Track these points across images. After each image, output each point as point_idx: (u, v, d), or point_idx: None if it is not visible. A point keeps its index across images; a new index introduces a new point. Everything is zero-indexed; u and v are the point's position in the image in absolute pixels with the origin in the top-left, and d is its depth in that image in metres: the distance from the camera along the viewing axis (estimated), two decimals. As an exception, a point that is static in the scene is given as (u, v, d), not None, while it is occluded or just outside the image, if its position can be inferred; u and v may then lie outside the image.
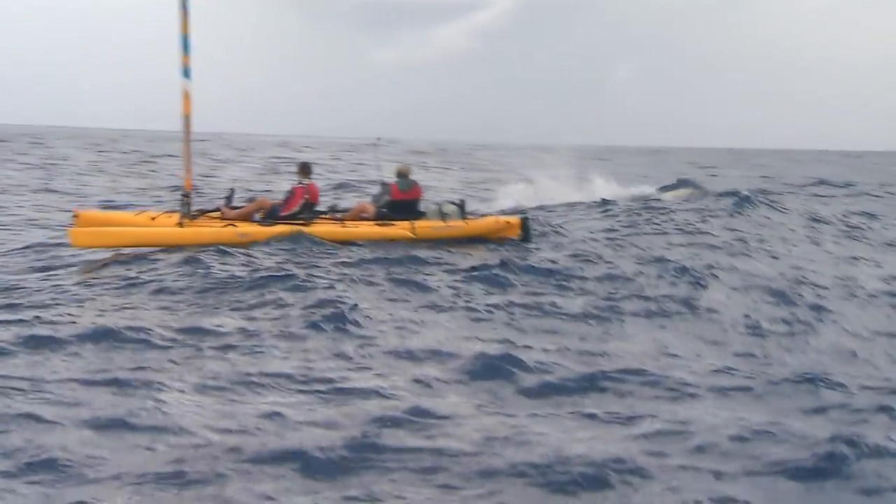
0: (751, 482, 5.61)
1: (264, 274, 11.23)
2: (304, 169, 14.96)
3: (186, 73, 13.88)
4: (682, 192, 22.67)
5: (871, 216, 20.32)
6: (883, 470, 5.75)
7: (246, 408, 6.71)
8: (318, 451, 5.82)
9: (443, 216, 14.72)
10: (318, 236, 13.71)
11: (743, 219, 17.90)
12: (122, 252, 13.35)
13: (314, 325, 8.99)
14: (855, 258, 14.64)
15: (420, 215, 14.80)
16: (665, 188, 24.31)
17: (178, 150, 15.03)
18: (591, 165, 26.21)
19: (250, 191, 23.19)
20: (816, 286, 11.87)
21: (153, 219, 14.28)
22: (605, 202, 20.32)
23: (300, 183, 14.76)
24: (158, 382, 7.13)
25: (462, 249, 13.74)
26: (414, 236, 14.15)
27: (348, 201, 18.95)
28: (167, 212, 14.70)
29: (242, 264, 12.00)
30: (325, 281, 10.86)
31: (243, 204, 14.78)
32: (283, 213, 14.39)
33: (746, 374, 7.92)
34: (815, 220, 18.52)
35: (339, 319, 9.12)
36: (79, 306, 9.88)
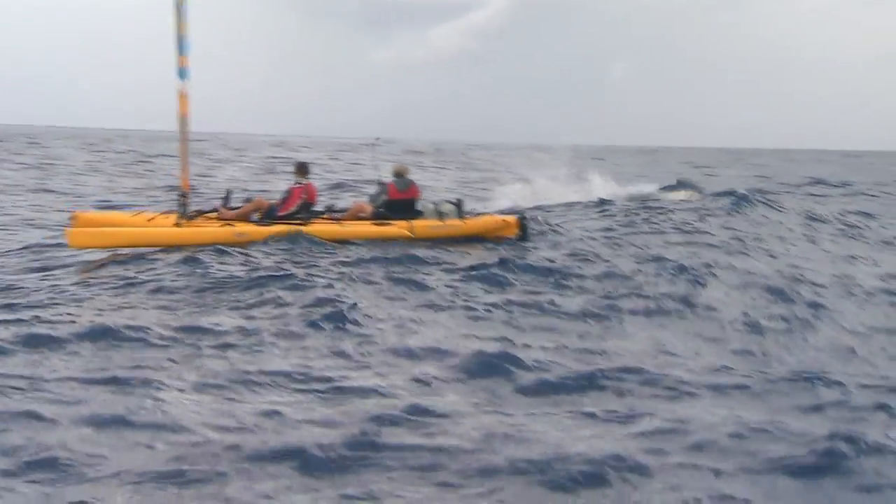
0: (749, 480, 5.61)
1: (263, 273, 11.23)
2: (302, 169, 14.95)
3: (183, 73, 13.85)
4: (684, 193, 22.67)
5: (868, 215, 20.36)
6: (881, 467, 5.77)
7: (245, 406, 6.72)
8: (317, 449, 5.83)
9: (440, 215, 14.72)
10: (316, 236, 13.70)
11: (741, 218, 17.91)
12: (119, 252, 13.34)
13: (313, 324, 8.99)
14: (852, 257, 14.66)
15: (417, 215, 14.80)
16: (666, 188, 24.31)
17: (175, 149, 15.02)
18: (589, 165, 26.20)
19: (247, 191, 23.16)
20: (814, 284, 11.88)
21: (150, 220, 14.27)
22: (602, 202, 20.33)
23: (298, 183, 14.75)
24: (157, 381, 7.12)
25: (460, 248, 13.74)
26: (412, 235, 14.15)
27: (345, 201, 18.94)
28: (164, 212, 14.68)
29: (241, 264, 12.00)
30: (323, 280, 10.86)
31: (240, 204, 14.76)
32: (280, 214, 14.38)
33: (745, 372, 7.93)
34: (812, 219, 18.53)
35: (337, 318, 9.13)
36: (77, 306, 9.87)
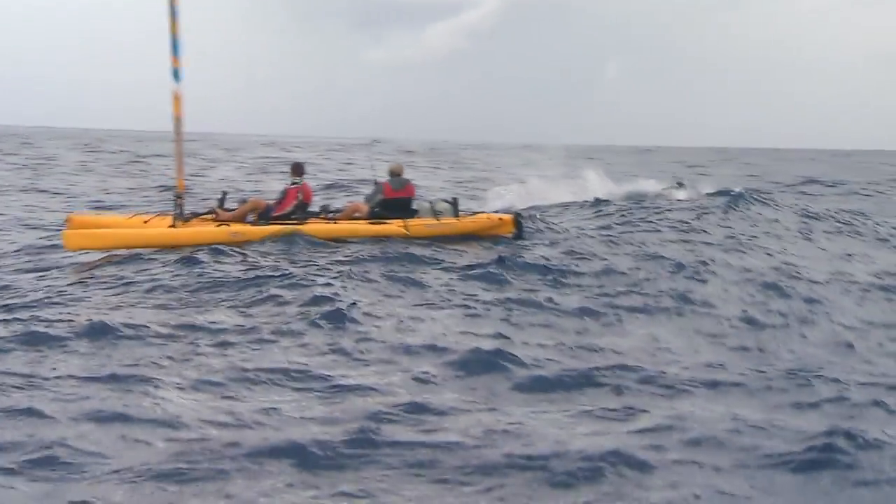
0: (747, 476, 5.63)
1: (260, 272, 11.24)
2: (298, 169, 14.93)
3: (177, 75, 13.81)
4: (681, 192, 22.67)
5: (862, 214, 20.40)
6: (877, 463, 5.79)
7: (243, 403, 6.73)
8: (315, 445, 5.84)
9: (436, 214, 14.72)
10: (312, 235, 13.70)
11: (737, 216, 17.94)
12: (115, 254, 13.32)
13: (311, 322, 8.99)
14: (848, 255, 14.73)
15: (413, 214, 14.80)
16: (663, 187, 24.30)
17: (167, 150, 14.99)
18: (583, 164, 26.18)
19: (241, 191, 23.14)
20: (811, 281, 11.95)
21: (146, 222, 14.25)
22: (598, 201, 20.34)
23: (293, 183, 14.72)
24: (156, 379, 7.14)
25: (456, 247, 13.74)
26: (407, 233, 14.15)
27: (340, 201, 18.93)
28: (160, 214, 14.66)
29: (238, 263, 12.02)
30: (321, 279, 10.85)
31: (236, 205, 14.73)
32: (276, 214, 14.36)
33: (742, 369, 7.97)
34: (807, 217, 18.58)
35: (336, 316, 9.13)
36: (75, 305, 9.88)
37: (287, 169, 15.34)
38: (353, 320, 9.03)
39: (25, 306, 9.81)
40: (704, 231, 16.11)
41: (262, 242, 13.34)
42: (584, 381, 7.51)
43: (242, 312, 9.53)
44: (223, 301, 10.07)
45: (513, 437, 6.08)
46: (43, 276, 12.02)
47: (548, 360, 8.06)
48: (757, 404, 6.99)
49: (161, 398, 6.67)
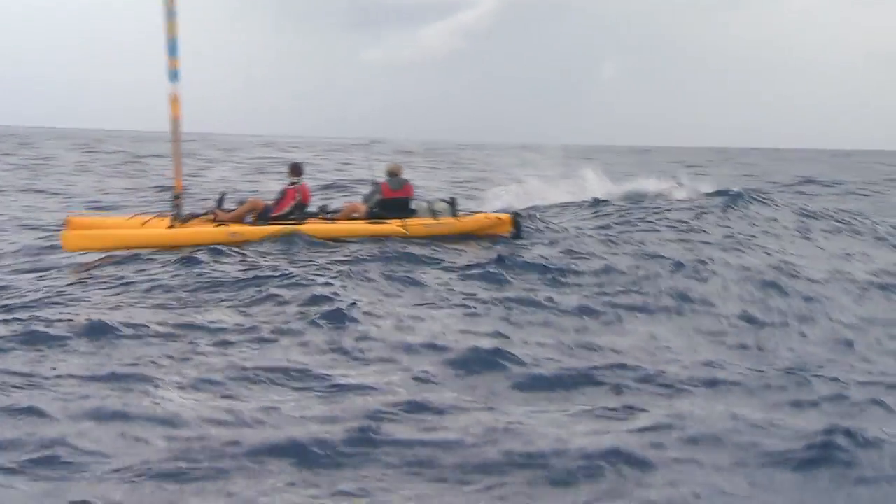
0: (746, 474, 5.64)
1: (259, 272, 11.24)
2: (296, 170, 14.92)
3: (174, 76, 13.80)
4: (679, 191, 22.68)
5: (860, 213, 20.43)
6: (877, 462, 5.79)
7: (243, 403, 6.73)
8: (315, 444, 5.85)
9: (434, 214, 14.72)
10: (311, 235, 13.70)
11: (735, 216, 17.96)
12: (114, 254, 13.31)
13: (310, 322, 8.99)
14: (847, 254, 14.75)
15: (411, 213, 14.80)
16: (662, 187, 24.29)
17: (164, 150, 15.02)
18: (581, 164, 26.17)
19: (238, 191, 23.13)
20: (809, 280, 11.98)
21: (144, 223, 14.24)
22: (597, 201, 20.35)
23: (292, 183, 14.71)
24: (156, 378, 7.14)
25: (455, 246, 13.76)
26: (406, 232, 14.15)
27: (337, 202, 18.93)
28: (158, 215, 14.66)
29: (237, 263, 12.02)
30: (320, 278, 10.85)
31: (234, 206, 14.72)
32: (274, 214, 14.36)
33: (741, 368, 7.98)
34: (805, 216, 18.61)
35: (335, 315, 9.13)
36: (74, 305, 9.87)
37: (285, 169, 15.32)
38: (353, 319, 9.02)
39: (25, 306, 9.80)
40: (703, 230, 16.13)
41: (261, 242, 13.34)
42: (583, 379, 7.51)
43: (242, 312, 9.53)
44: (223, 301, 10.06)
45: (512, 436, 6.08)
46: (42, 276, 12.03)
47: (547, 358, 8.06)
48: (756, 403, 7.00)
49: (161, 397, 6.67)
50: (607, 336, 9.00)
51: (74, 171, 36.28)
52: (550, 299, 10.32)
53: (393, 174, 15.12)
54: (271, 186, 22.45)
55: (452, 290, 10.77)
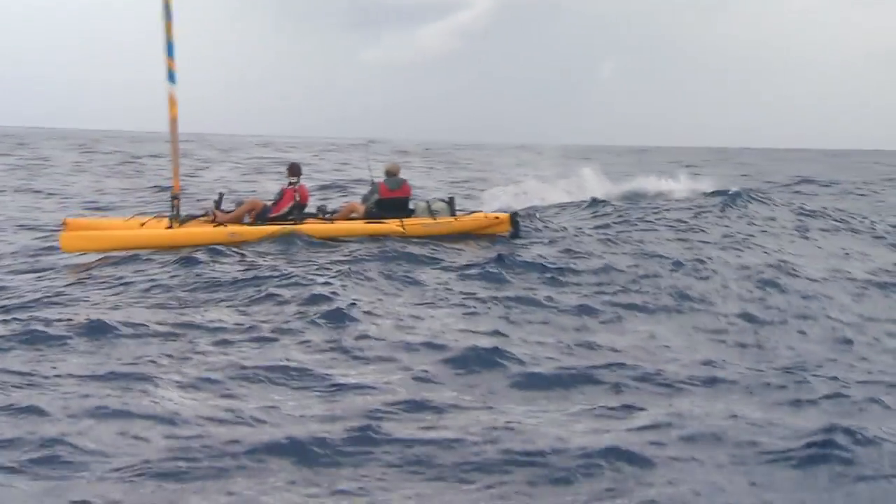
0: (746, 473, 5.65)
1: (258, 272, 11.26)
2: (294, 170, 14.91)
3: (172, 76, 13.79)
4: (678, 191, 22.71)
5: (858, 212, 20.46)
6: (876, 459, 5.80)
7: (243, 402, 6.74)
8: (315, 443, 5.85)
9: (432, 213, 14.73)
10: (309, 235, 13.70)
11: (734, 215, 18.00)
12: (113, 255, 13.29)
13: (310, 321, 9.01)
14: (844, 252, 14.76)
15: (410, 213, 14.81)
16: (660, 187, 24.31)
17: (161, 150, 15.02)
18: (578, 164, 26.20)
19: (235, 192, 23.12)
20: (808, 279, 11.99)
21: (142, 224, 14.23)
22: (595, 201, 20.35)
23: (290, 184, 14.70)
24: (156, 377, 7.14)
25: (454, 246, 13.78)
26: (403, 231, 14.16)
27: (335, 202, 18.94)
28: (157, 217, 14.65)
29: (236, 263, 12.03)
30: (319, 278, 10.87)
31: (232, 207, 14.71)
32: (273, 215, 14.36)
33: (740, 366, 8.00)
34: (803, 215, 18.64)
35: (335, 315, 9.13)
36: (74, 305, 9.88)
37: (282, 169, 15.32)
38: (353, 319, 9.03)
39: (24, 306, 9.81)
40: (702, 230, 16.16)
41: (260, 243, 13.34)
42: (582, 378, 7.52)
43: (241, 311, 9.53)
44: (222, 300, 10.07)
45: (512, 435, 6.08)
46: (40, 276, 12.02)
47: (546, 357, 8.08)
48: (755, 401, 7.02)
49: (161, 396, 6.67)
50: (607, 335, 9.01)
51: (71, 172, 36.20)
52: (550, 298, 10.34)
53: (391, 174, 15.12)
54: (269, 187, 22.45)
55: (452, 289, 10.78)
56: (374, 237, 13.89)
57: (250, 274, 11.14)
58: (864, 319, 10.04)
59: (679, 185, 23.12)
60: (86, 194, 25.67)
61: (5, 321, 8.92)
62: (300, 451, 5.74)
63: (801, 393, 7.23)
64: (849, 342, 9.07)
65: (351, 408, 6.59)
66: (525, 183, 23.22)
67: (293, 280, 10.69)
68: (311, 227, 14.05)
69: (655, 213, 18.46)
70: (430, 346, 8.28)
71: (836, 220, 18.28)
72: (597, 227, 16.62)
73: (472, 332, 8.86)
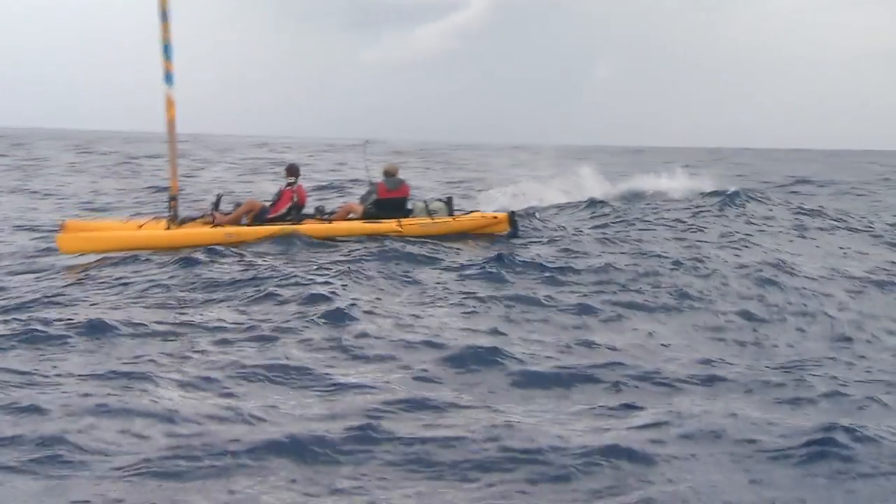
0: (745, 471, 5.66)
1: (258, 271, 11.27)
2: (292, 170, 14.91)
3: (169, 79, 13.77)
4: (675, 191, 22.74)
5: (855, 212, 20.49)
6: (875, 457, 5.81)
7: (243, 401, 6.74)
8: (315, 442, 5.85)
9: (430, 213, 14.74)
10: (308, 235, 13.71)
11: (732, 214, 18.05)
12: (112, 256, 13.28)
13: (310, 320, 9.01)
14: (842, 251, 14.78)
15: (408, 213, 14.83)
16: (657, 187, 24.32)
17: (158, 150, 15.03)
18: (576, 165, 26.19)
19: (232, 192, 23.10)
20: (806, 277, 12.00)
21: (140, 227, 14.22)
22: (593, 201, 20.36)
23: (288, 185, 14.70)
24: (156, 376, 7.13)
25: (453, 245, 13.80)
26: (401, 230, 14.18)
27: (333, 202, 18.95)
28: (155, 218, 14.65)
29: (235, 263, 12.03)
30: (319, 277, 10.90)
31: (230, 209, 14.70)
32: (271, 216, 14.36)
33: (739, 365, 8.01)
34: (801, 214, 18.67)
35: (334, 314, 9.14)
36: (73, 305, 9.88)
37: (279, 170, 15.34)
38: (352, 318, 9.03)
39: (24, 306, 9.83)
40: (700, 229, 16.19)
41: (259, 243, 13.34)
42: (582, 377, 7.53)
43: (241, 311, 9.54)
44: (222, 300, 10.08)
45: (511, 434, 6.08)
46: (39, 277, 12.03)
47: (546, 356, 8.09)
48: (754, 400, 7.03)
49: (161, 395, 6.67)
50: (606, 334, 9.01)
51: (68, 172, 36.16)
52: (549, 297, 10.35)
53: (389, 174, 15.14)
54: (266, 187, 22.41)
55: (451, 288, 10.80)
56: (373, 237, 13.89)
57: (250, 274, 11.15)
58: (862, 317, 10.05)
59: (676, 183, 23.15)
60: (82, 195, 25.63)
61: (5, 321, 8.92)
62: (300, 450, 5.74)
63: (800, 391, 7.24)
64: (848, 340, 9.09)
65: (351, 406, 6.59)
66: (522, 184, 23.22)
67: (293, 280, 10.70)
68: (310, 227, 14.05)
69: (654, 212, 18.49)
70: (429, 345, 8.29)
71: (834, 220, 18.32)
72: (595, 227, 16.65)
73: (472, 331, 8.88)
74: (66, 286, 11.17)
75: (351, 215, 14.71)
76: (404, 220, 14.45)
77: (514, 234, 14.78)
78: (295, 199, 14.55)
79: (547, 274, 11.69)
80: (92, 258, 13.12)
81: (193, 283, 10.89)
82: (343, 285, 10.49)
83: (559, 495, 5.31)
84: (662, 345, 8.66)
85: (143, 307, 9.76)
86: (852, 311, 10.28)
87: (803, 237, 16.22)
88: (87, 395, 6.71)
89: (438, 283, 11.03)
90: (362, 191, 15.73)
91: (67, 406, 6.45)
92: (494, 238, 14.53)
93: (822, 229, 17.21)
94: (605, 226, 16.91)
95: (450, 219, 14.70)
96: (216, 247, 12.82)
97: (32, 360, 7.68)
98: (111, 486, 5.27)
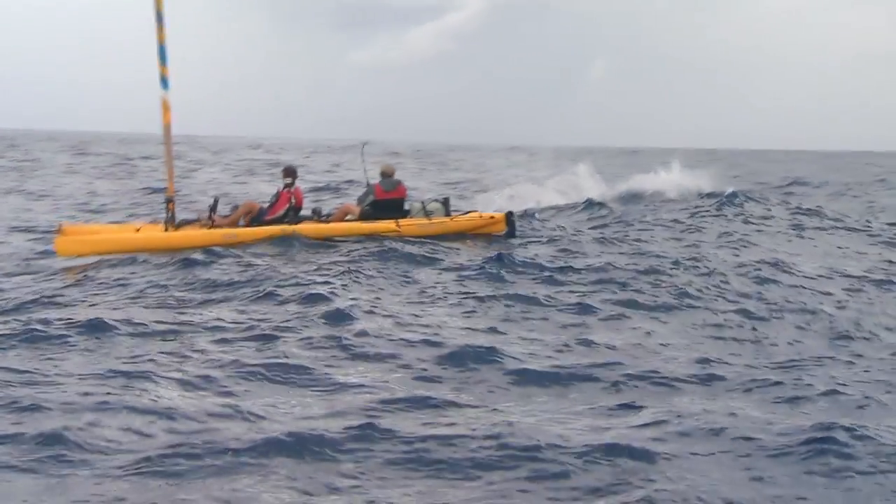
0: (745, 469, 5.66)
1: (257, 272, 11.30)
2: (290, 172, 14.91)
3: (165, 82, 13.77)
4: (674, 191, 22.77)
5: (852, 212, 20.54)
6: (875, 456, 5.81)
7: (244, 400, 6.74)
8: (314, 441, 5.85)
9: (427, 214, 14.75)
10: (306, 236, 13.72)
11: (731, 213, 18.10)
12: (110, 257, 13.25)
13: (309, 320, 9.02)
14: (840, 251, 14.80)
15: (405, 214, 14.84)
16: (656, 188, 24.35)
17: (153, 151, 15.04)
18: (573, 166, 26.22)
19: (227, 194, 23.11)
20: (805, 277, 12.04)
21: (138, 230, 14.21)
22: (591, 202, 20.38)
23: (285, 186, 14.69)
24: (157, 375, 7.13)
25: (452, 245, 13.83)
26: (398, 231, 14.19)
27: (329, 204, 18.96)
28: (152, 222, 14.65)
29: (234, 263, 12.03)
30: (318, 277, 10.92)
31: (227, 212, 14.70)
32: (268, 217, 14.36)
33: (738, 364, 8.02)
34: (799, 214, 18.72)
35: (334, 314, 9.15)
36: (73, 305, 9.90)
37: (274, 171, 15.35)
38: (352, 317, 9.04)
39: (23, 306, 9.83)
40: (699, 229, 16.23)
41: (257, 244, 13.34)
42: (581, 376, 7.54)
43: (241, 311, 9.55)
44: (221, 300, 10.09)
45: (511, 433, 6.07)
46: (37, 278, 12.01)
47: (545, 355, 8.10)
48: (754, 398, 7.04)
49: (161, 394, 6.67)
50: (605, 333, 9.02)
51: (63, 174, 36.12)
52: (548, 297, 10.37)
53: (386, 175, 15.15)
54: (261, 188, 22.41)
55: (450, 288, 10.82)
56: (371, 237, 13.90)
57: (249, 274, 11.17)
58: (861, 316, 10.06)
59: (673, 177, 23.18)
60: (78, 196, 25.60)
61: (5, 321, 8.92)
62: (300, 449, 5.74)
63: (799, 390, 7.24)
64: (847, 339, 9.10)
65: (350, 405, 6.60)
66: (519, 185, 23.25)
67: (292, 280, 10.71)
68: (308, 227, 14.05)
69: (652, 213, 18.54)
70: (429, 344, 8.29)
71: (832, 219, 18.36)
72: (594, 227, 16.68)
73: (472, 330, 8.89)
74: (64, 287, 11.17)
75: (348, 216, 14.71)
76: (402, 221, 14.47)
77: (511, 234, 14.81)
78: (292, 201, 14.55)
79: (546, 273, 11.71)
80: (90, 260, 13.11)
81: (193, 283, 10.91)
82: (343, 285, 10.51)
83: (558, 494, 5.31)
84: (661, 344, 8.67)
85: (143, 307, 9.76)
86: (851, 310, 10.30)
87: (801, 237, 16.26)
88: (87, 393, 6.70)
89: (438, 283, 11.06)
90: (359, 192, 15.73)
91: (68, 405, 6.45)
92: (492, 238, 14.55)
93: (819, 229, 17.25)
94: (603, 226, 16.95)
95: (447, 219, 14.72)
96: (215, 248, 12.81)
97: (32, 359, 7.67)
98: (111, 485, 5.27)
